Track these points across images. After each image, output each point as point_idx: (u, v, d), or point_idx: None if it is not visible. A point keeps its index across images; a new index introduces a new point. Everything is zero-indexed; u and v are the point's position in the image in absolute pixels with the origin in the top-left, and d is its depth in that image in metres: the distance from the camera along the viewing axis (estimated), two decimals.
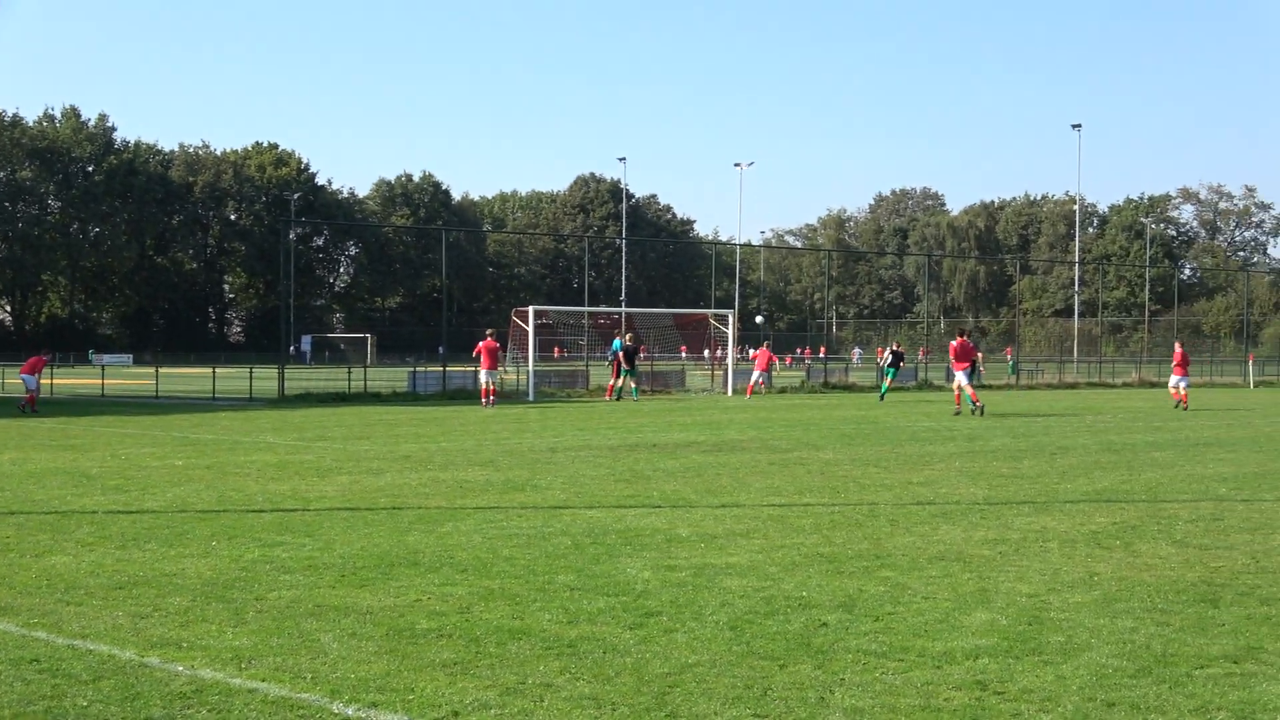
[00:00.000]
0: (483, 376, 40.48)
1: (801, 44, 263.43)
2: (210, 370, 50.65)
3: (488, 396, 40.01)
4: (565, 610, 9.66)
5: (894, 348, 49.05)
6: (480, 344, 40.63)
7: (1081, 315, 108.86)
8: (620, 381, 44.51)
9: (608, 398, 44.52)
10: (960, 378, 35.91)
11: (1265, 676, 7.93)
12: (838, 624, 9.25)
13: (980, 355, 36.66)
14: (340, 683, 7.73)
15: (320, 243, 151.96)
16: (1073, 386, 62.58)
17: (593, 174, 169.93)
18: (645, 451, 23.44)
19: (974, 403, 35.51)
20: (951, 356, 36.76)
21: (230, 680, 7.78)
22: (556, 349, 63.29)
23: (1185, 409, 39.46)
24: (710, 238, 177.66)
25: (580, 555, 12.06)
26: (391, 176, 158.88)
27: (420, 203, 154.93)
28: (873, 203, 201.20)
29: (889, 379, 46.88)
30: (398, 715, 7.13)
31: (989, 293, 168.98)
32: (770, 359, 52.24)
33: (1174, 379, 41.71)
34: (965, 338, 36.89)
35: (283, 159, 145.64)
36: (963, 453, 23.48)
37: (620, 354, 44.41)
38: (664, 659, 8.27)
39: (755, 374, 50.30)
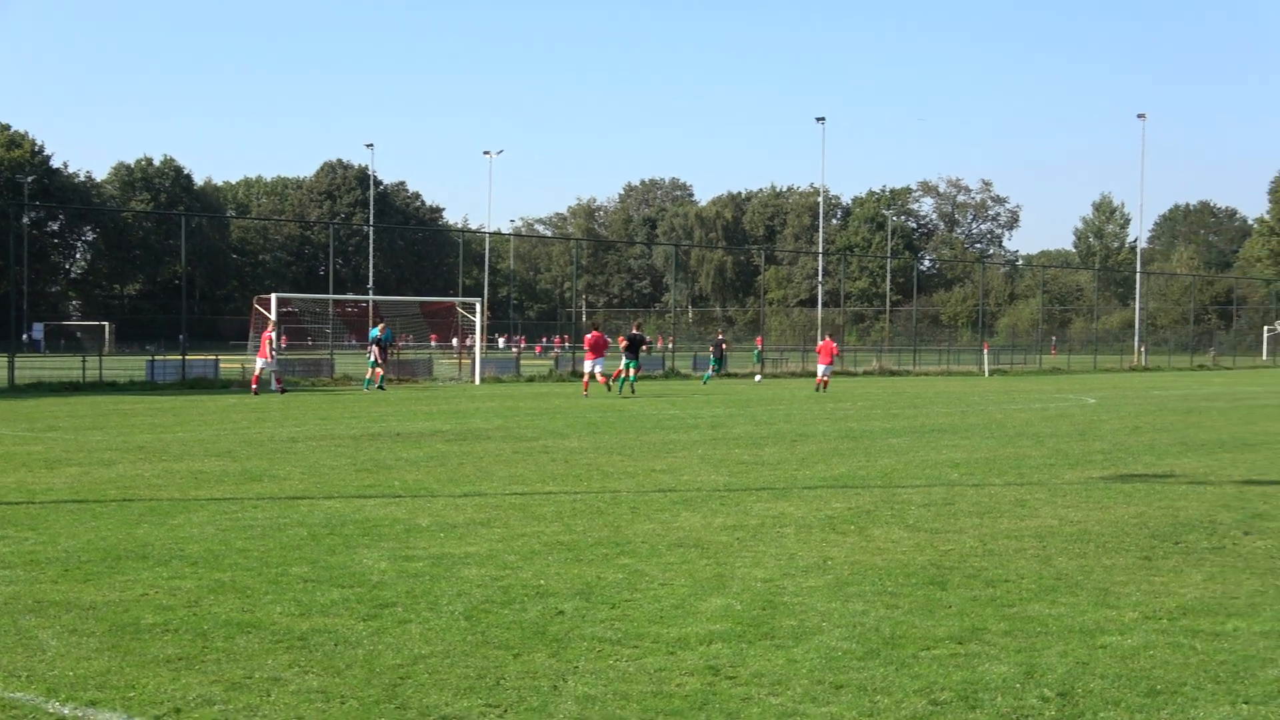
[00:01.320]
0: (259, 364, 41.41)
1: (551, 30, 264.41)
2: None
3: (278, 383, 41.68)
4: (297, 602, 9.48)
5: (718, 337, 58.19)
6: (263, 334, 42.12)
7: (825, 305, 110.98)
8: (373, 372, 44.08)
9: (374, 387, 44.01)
10: (589, 366, 41.03)
11: (988, 656, 8.15)
12: (574, 612, 9.24)
13: (621, 342, 42.17)
14: (57, 681, 7.46)
15: (55, 228, 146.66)
16: (815, 375, 63.65)
17: (340, 160, 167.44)
18: (388, 441, 23.20)
19: (606, 385, 41.15)
20: (586, 346, 41.25)
21: None
22: (284, 338, 62.19)
23: (823, 391, 45.03)
24: (460, 225, 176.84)
25: (316, 546, 11.85)
26: (131, 160, 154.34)
27: (161, 187, 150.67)
28: (622, 192, 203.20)
29: (712, 368, 54.31)
30: (116, 713, 6.90)
31: (736, 282, 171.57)
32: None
33: (821, 367, 46.49)
34: (599, 331, 41.89)
35: (15, 140, 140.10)
36: (705, 440, 23.75)
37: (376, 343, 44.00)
38: (397, 650, 8.17)
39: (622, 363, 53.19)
